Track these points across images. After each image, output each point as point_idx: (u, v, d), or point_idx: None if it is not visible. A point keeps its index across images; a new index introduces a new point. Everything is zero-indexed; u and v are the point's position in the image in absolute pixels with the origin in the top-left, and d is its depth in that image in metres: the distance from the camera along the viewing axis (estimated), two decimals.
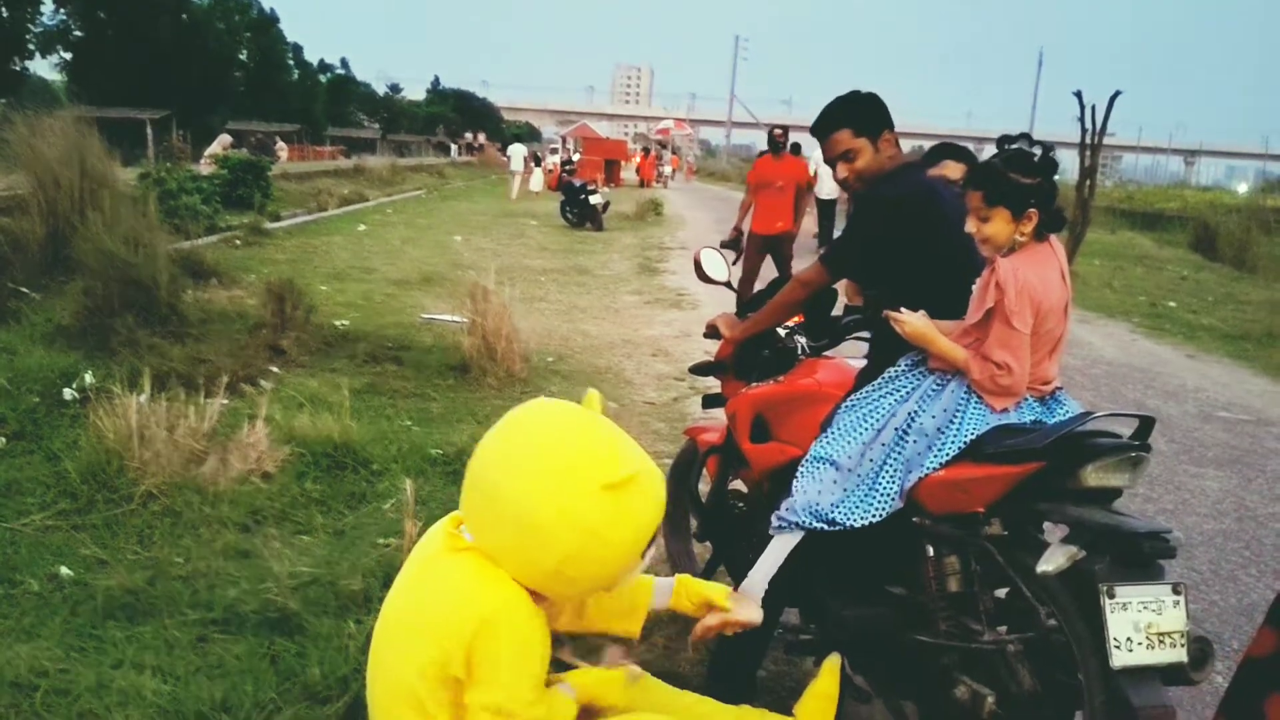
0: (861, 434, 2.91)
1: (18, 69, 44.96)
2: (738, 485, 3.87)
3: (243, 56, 59.37)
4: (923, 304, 2.94)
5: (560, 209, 23.69)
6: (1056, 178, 2.86)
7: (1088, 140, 16.18)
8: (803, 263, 3.53)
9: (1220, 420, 7.35)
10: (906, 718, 3.02)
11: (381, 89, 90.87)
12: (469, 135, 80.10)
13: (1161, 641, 2.45)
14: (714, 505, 3.87)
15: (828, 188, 18.32)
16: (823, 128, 3.21)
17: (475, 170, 51.10)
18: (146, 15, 47.17)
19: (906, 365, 2.99)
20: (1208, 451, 6.54)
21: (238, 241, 14.99)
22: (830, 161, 3.24)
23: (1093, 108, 16.00)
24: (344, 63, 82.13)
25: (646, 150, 52.17)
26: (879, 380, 3.01)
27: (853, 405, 3.02)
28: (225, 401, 5.88)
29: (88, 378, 6.25)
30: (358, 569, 3.99)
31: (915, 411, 2.86)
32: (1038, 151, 2.81)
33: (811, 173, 20.07)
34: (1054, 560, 2.49)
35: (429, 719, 2.21)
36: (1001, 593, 2.88)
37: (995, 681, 2.72)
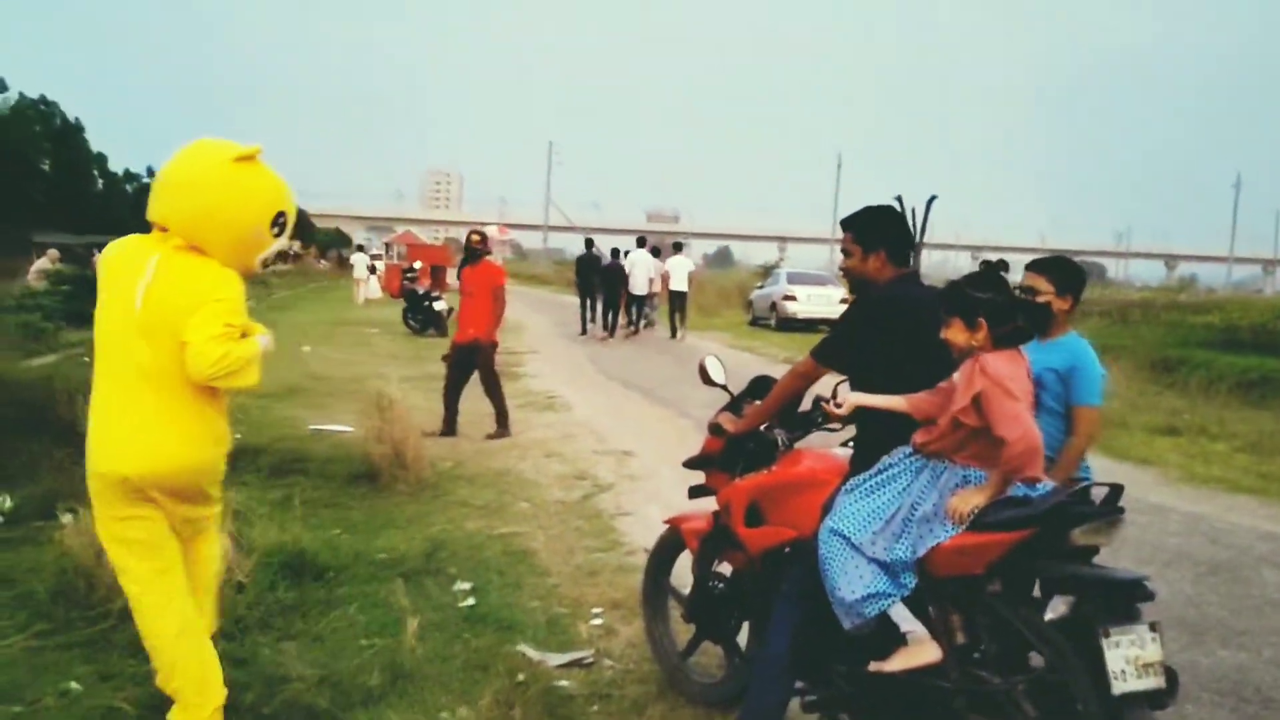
0: (872, 522, 3.36)
1: None
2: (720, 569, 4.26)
3: (45, 166, 57.37)
4: (895, 392, 3.46)
5: (402, 316, 23.76)
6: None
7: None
8: None
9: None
10: None
11: None
12: None
13: (1146, 671, 2.96)
14: (701, 586, 4.25)
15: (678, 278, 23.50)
16: (844, 224, 3.84)
17: (296, 279, 50.40)
18: None
19: (901, 455, 3.46)
20: None
21: (85, 359, 14.61)
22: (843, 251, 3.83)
23: (913, 210, 17.26)
24: (150, 171, 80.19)
25: None
26: (876, 468, 3.47)
27: (854, 489, 3.48)
28: None
29: (7, 501, 6.25)
30: (365, 666, 4.21)
31: (916, 501, 3.32)
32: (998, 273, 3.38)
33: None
34: (1057, 609, 3.01)
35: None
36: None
37: (1002, 718, 3.17)
